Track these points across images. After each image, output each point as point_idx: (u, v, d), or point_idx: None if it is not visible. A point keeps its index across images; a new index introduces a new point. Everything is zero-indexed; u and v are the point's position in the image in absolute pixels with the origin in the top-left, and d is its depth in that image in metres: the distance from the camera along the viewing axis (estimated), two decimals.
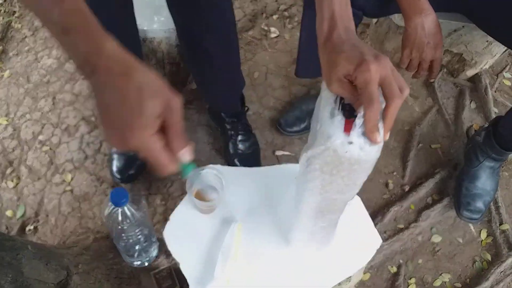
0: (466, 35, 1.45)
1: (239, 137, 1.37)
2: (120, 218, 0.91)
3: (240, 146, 1.37)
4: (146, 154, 0.46)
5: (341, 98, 0.60)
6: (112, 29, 0.82)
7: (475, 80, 1.66)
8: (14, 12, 1.78)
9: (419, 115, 1.63)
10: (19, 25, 1.74)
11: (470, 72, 1.65)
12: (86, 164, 1.37)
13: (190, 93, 1.57)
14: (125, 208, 0.90)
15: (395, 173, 1.47)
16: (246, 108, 1.39)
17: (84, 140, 1.42)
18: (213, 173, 0.89)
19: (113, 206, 0.89)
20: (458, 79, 1.68)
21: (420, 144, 1.54)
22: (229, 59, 1.24)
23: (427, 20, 1.12)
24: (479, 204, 1.29)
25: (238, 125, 1.37)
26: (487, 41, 1.46)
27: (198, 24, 1.10)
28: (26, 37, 1.71)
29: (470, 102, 1.64)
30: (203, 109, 1.52)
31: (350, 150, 0.56)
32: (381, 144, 0.57)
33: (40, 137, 1.43)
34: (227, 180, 0.90)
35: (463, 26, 1.42)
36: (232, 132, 1.38)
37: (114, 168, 1.31)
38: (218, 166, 0.93)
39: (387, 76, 0.53)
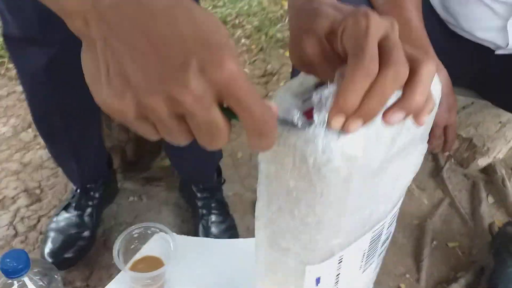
0: (476, 114, 1.30)
1: (212, 217, 1.10)
2: None
3: (213, 229, 1.10)
4: (241, 92, 0.26)
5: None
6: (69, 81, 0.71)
7: (488, 171, 1.46)
8: None
9: (429, 209, 1.39)
10: None
11: (482, 162, 1.45)
12: (13, 243, 1.07)
13: (161, 170, 1.35)
14: (25, 280, 0.60)
15: (407, 276, 1.17)
16: (222, 180, 1.15)
17: (19, 214, 1.14)
18: (159, 237, 0.62)
19: (4, 278, 0.60)
20: (469, 170, 1.48)
21: (434, 242, 1.27)
22: None
23: (438, 77, 0.96)
24: None
25: (211, 202, 1.11)
26: (500, 122, 1.30)
27: None
28: None
29: (487, 196, 1.41)
30: (173, 187, 1.28)
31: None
32: (357, 154, 0.32)
33: None
34: (180, 252, 0.62)
35: (472, 103, 1.27)
36: (204, 211, 1.11)
37: (47, 250, 1.01)
38: (167, 230, 0.65)
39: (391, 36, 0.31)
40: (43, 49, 0.82)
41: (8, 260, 0.59)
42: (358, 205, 0.37)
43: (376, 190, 0.38)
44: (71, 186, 1.13)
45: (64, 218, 1.06)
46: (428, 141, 1.05)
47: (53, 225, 1.05)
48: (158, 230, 0.62)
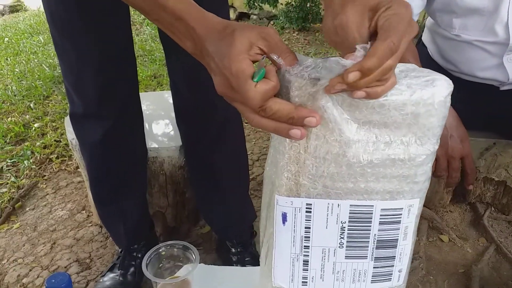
0: (502, 154, 1.30)
1: None
2: None
3: None
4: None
5: None
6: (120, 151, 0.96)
7: None
8: (44, 175, 1.86)
9: (474, 257, 1.32)
10: (44, 185, 1.79)
11: None
12: None
13: (200, 237, 1.42)
14: None
15: None
16: (254, 233, 1.20)
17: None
18: (180, 246, 0.69)
19: None
20: None
21: None
22: (238, 176, 1.14)
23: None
24: None
25: (245, 255, 1.16)
26: None
27: (207, 137, 1.06)
28: (47, 194, 1.73)
29: None
30: (211, 250, 1.34)
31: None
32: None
33: (24, 280, 1.26)
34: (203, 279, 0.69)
35: (494, 143, 1.28)
36: (238, 266, 1.15)
37: None
38: (191, 247, 0.72)
39: None
40: (100, 123, 0.98)
41: (53, 280, 0.68)
42: (323, 154, 0.43)
43: (348, 159, 0.43)
44: (118, 252, 1.23)
45: (109, 278, 1.13)
46: (448, 176, 1.09)
47: (99, 285, 1.13)
48: (181, 246, 0.70)
